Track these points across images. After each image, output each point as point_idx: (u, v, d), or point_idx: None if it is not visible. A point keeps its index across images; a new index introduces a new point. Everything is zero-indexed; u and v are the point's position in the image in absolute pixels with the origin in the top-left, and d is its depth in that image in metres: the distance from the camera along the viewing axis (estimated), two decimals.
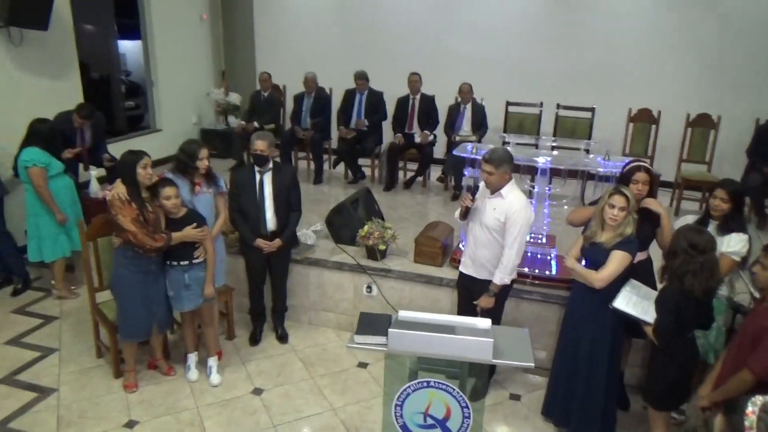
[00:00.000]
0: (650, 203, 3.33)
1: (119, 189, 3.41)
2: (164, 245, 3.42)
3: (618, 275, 3.08)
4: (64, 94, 5.71)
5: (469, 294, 3.64)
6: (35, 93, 5.41)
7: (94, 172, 5.26)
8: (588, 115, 6.69)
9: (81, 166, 5.49)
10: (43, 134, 4.48)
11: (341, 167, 7.07)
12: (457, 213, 3.61)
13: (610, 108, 6.73)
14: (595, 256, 3.16)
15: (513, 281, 3.55)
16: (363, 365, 4.16)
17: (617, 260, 3.05)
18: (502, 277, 3.40)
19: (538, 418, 3.62)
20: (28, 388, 3.78)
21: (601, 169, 4.02)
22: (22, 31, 5.17)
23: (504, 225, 3.33)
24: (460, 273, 3.68)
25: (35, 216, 4.57)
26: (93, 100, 5.75)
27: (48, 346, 4.24)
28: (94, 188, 5.15)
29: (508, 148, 4.66)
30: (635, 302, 3.04)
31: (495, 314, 3.59)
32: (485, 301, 3.48)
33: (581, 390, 3.26)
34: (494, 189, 3.38)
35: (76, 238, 4.71)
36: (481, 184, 3.52)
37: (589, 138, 6.47)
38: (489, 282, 3.47)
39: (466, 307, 3.71)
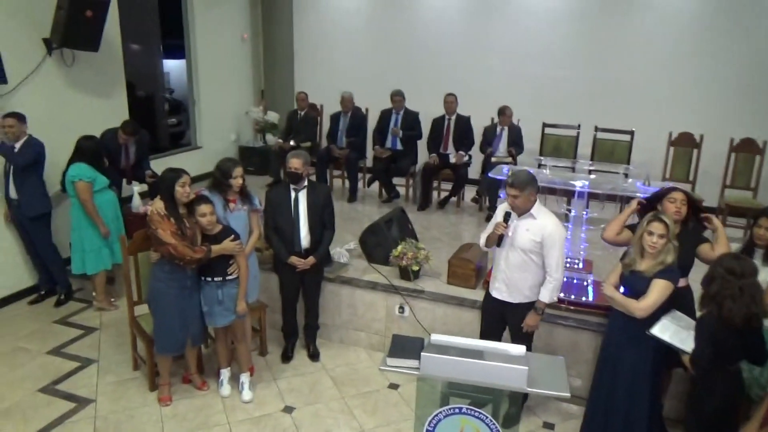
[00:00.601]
0: (709, 217, 3.31)
1: (158, 205, 3.50)
2: (204, 257, 3.49)
3: (659, 305, 2.99)
4: (111, 111, 5.92)
5: (500, 318, 3.60)
6: (84, 111, 5.62)
7: (137, 188, 5.42)
8: (627, 138, 6.58)
9: (124, 181, 5.66)
10: (90, 150, 4.65)
11: (375, 186, 7.11)
12: (483, 240, 3.56)
13: (650, 131, 6.61)
14: (635, 285, 3.08)
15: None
16: (394, 386, 4.13)
17: (659, 289, 2.96)
18: (551, 295, 3.38)
19: None
20: (67, 397, 3.87)
21: (640, 194, 3.93)
22: (74, 52, 5.39)
23: (540, 245, 3.31)
24: (492, 298, 3.59)
25: (79, 229, 4.72)
26: (138, 118, 5.95)
27: (87, 356, 4.35)
28: (136, 203, 5.30)
29: (544, 172, 4.67)
30: (674, 331, 2.95)
31: (529, 336, 3.56)
32: (532, 320, 3.44)
33: (620, 423, 3.16)
34: (521, 212, 3.36)
35: (117, 252, 4.86)
36: (500, 208, 3.48)
37: (628, 162, 6.37)
38: (523, 305, 3.44)
39: (491, 332, 3.66)
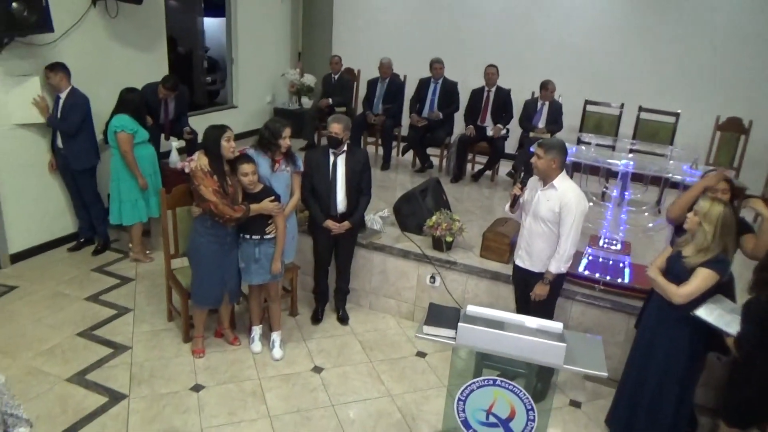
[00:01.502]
0: (756, 204, 3.17)
1: (201, 161, 3.52)
2: (243, 216, 3.52)
3: (700, 294, 2.91)
4: (152, 66, 5.94)
5: (526, 287, 3.62)
6: (126, 64, 5.65)
7: (175, 143, 5.46)
8: (671, 119, 6.39)
9: (162, 136, 5.71)
10: (133, 103, 4.69)
11: (409, 155, 7.06)
12: (507, 205, 3.64)
13: (696, 114, 6.41)
14: (676, 268, 3.00)
15: (567, 275, 3.56)
16: (422, 354, 4.16)
17: (702, 278, 2.86)
18: (558, 265, 3.39)
19: (598, 428, 3.53)
20: (105, 343, 3.99)
21: (687, 178, 3.83)
22: (118, 3, 5.39)
23: (559, 215, 3.32)
24: (516, 266, 3.67)
25: (118, 180, 4.79)
26: (177, 74, 5.95)
27: (123, 305, 4.46)
28: (174, 159, 5.35)
29: (584, 149, 4.57)
30: (718, 314, 2.89)
31: (547, 306, 3.58)
32: (540, 289, 3.48)
33: (647, 406, 3.14)
34: (542, 176, 3.37)
35: (153, 206, 4.94)
36: (533, 179, 3.50)
37: (671, 144, 6.17)
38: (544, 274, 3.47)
39: (523, 301, 3.71)
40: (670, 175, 4.02)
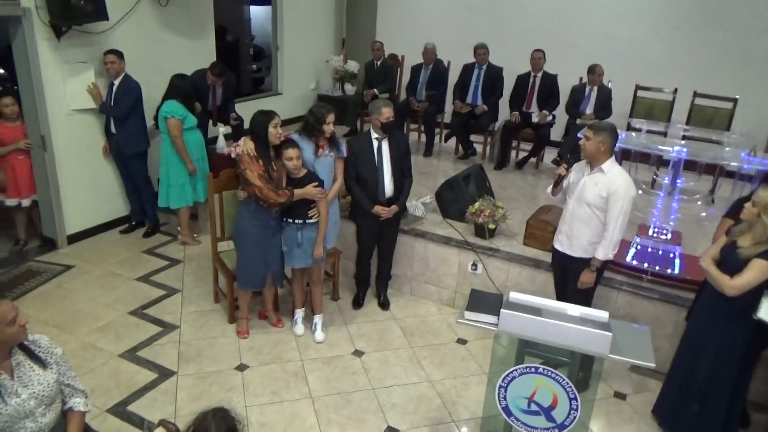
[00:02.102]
0: None
1: (248, 145, 3.58)
2: (287, 201, 3.57)
3: (755, 285, 2.79)
4: (200, 53, 6.06)
5: (565, 272, 3.57)
6: (175, 51, 5.78)
7: (222, 129, 5.57)
8: (729, 105, 6.10)
9: (210, 123, 5.83)
10: (183, 89, 4.81)
11: (452, 142, 7.00)
12: (550, 187, 3.57)
13: (756, 99, 6.10)
14: (730, 259, 2.88)
15: (614, 264, 3.50)
16: (462, 342, 4.15)
17: (758, 269, 2.73)
18: (605, 252, 3.31)
19: (643, 422, 3.44)
20: (154, 322, 4.14)
21: (745, 165, 3.65)
22: None
23: (606, 200, 3.23)
24: (555, 250, 3.60)
25: (167, 165, 4.94)
26: (224, 61, 6.05)
27: (172, 286, 4.61)
28: (221, 144, 5.46)
29: (634, 135, 4.42)
30: None
31: (588, 293, 3.51)
32: (587, 276, 3.41)
33: (698, 402, 3.04)
34: (590, 159, 3.29)
35: (200, 191, 5.06)
36: (580, 163, 3.42)
37: (728, 131, 5.90)
38: (583, 260, 3.40)
39: (561, 286, 3.66)
40: (726, 162, 3.85)
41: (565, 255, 3.50)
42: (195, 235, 5.35)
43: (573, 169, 3.46)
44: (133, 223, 5.51)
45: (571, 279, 3.52)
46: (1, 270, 4.69)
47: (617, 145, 3.43)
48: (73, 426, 2.29)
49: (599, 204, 3.27)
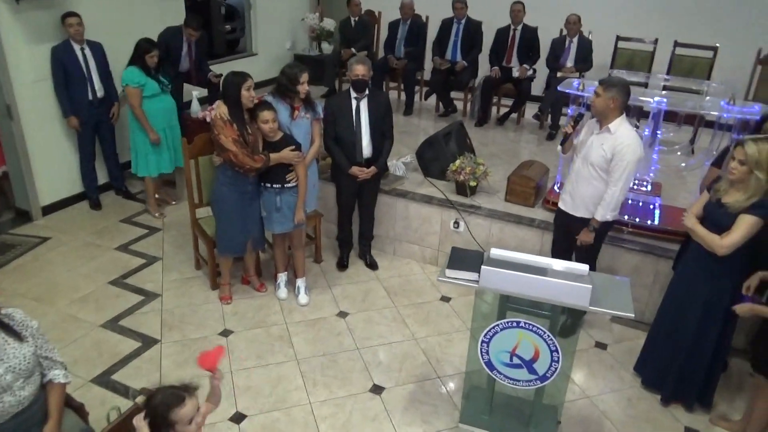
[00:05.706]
0: None
1: (221, 109, 3.48)
2: (263, 166, 3.49)
3: (744, 242, 2.73)
4: (168, 13, 5.82)
5: (566, 232, 3.55)
6: (142, 12, 5.55)
7: (196, 93, 5.41)
8: (709, 54, 6.06)
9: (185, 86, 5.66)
10: (140, 48, 4.61)
11: (432, 99, 6.90)
12: (559, 145, 3.50)
13: (735, 47, 6.06)
14: (716, 217, 2.81)
15: (614, 222, 3.43)
16: (446, 299, 4.17)
17: (746, 225, 2.68)
18: (604, 213, 3.28)
19: (624, 370, 3.52)
20: (136, 291, 4.10)
21: (725, 114, 3.64)
22: None
23: (609, 162, 3.18)
24: (558, 209, 3.58)
25: (132, 132, 4.86)
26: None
27: (152, 254, 4.55)
28: (195, 108, 5.30)
29: None
30: None
31: (592, 254, 3.51)
32: (585, 236, 3.39)
33: (683, 355, 3.08)
34: (599, 116, 3.21)
35: (166, 161, 4.95)
36: (591, 121, 3.34)
37: (708, 80, 5.88)
38: (585, 220, 3.38)
39: (560, 245, 3.65)
40: (706, 111, 3.83)
41: (568, 214, 3.46)
42: (159, 207, 5.15)
43: (585, 126, 3.37)
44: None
45: (574, 239, 3.48)
46: None
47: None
48: (54, 398, 2.26)
49: (602, 165, 3.21)
